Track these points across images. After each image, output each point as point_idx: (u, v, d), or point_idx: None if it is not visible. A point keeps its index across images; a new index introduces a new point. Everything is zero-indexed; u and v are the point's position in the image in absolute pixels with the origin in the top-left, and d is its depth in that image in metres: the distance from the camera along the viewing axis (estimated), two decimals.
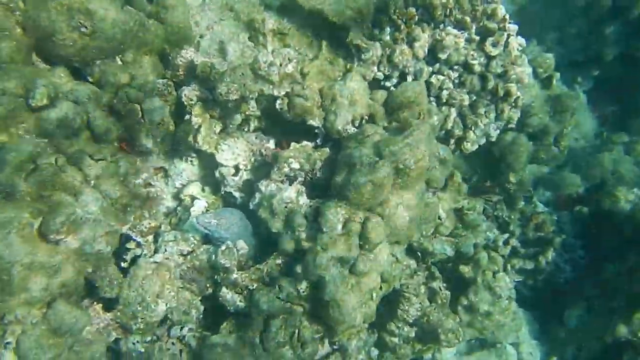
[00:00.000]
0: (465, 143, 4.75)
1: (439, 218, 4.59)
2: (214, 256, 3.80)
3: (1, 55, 3.22)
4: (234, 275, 3.75)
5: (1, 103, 2.97)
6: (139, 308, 3.39)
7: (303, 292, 3.63)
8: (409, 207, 3.81)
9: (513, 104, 4.73)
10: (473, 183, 5.59)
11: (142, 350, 3.57)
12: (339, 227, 3.60)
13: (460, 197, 4.84)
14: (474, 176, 5.62)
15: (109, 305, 3.43)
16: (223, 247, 3.78)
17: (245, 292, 3.82)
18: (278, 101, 4.02)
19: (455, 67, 4.61)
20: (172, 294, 3.53)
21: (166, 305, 3.51)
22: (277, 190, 3.87)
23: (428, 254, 4.79)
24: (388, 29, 4.60)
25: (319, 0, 4.43)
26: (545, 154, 5.50)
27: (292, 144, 4.00)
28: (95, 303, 3.39)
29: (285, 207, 3.75)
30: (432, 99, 4.67)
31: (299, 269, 3.59)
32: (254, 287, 3.78)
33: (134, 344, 3.55)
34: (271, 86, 3.94)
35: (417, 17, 4.55)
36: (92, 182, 3.32)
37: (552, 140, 5.46)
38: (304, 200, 3.84)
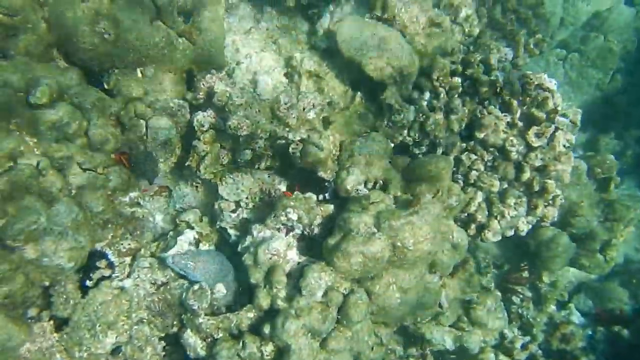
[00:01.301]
0: (486, 232, 4.47)
1: (440, 306, 4.28)
2: (184, 294, 3.65)
3: (17, 46, 3.26)
4: (200, 320, 3.59)
5: None
6: (87, 335, 3.27)
7: (267, 355, 3.42)
8: (403, 288, 3.58)
9: (550, 202, 4.44)
10: (502, 271, 5.26)
11: None
12: (319, 293, 3.41)
13: (470, 289, 4.52)
14: (505, 264, 5.31)
15: (60, 325, 3.30)
16: (195, 287, 3.65)
17: (208, 339, 3.63)
18: (292, 145, 3.91)
19: (491, 149, 4.38)
20: (125, 326, 3.38)
21: (115, 337, 3.35)
22: (268, 238, 3.70)
23: (425, 341, 4.47)
24: (427, 94, 4.46)
25: (360, 51, 4.34)
26: (588, 260, 5.14)
27: (296, 193, 3.85)
28: (47, 320, 3.27)
29: (270, 258, 3.59)
30: (459, 176, 4.44)
31: (266, 329, 3.40)
32: (219, 336, 3.59)
33: None
34: (287, 129, 3.84)
35: (460, 89, 4.39)
36: (73, 191, 3.27)
37: (598, 247, 5.08)
38: (292, 255, 3.68)
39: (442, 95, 4.36)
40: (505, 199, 4.44)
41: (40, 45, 3.37)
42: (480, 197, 4.43)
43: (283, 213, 3.76)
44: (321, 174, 3.96)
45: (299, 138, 3.90)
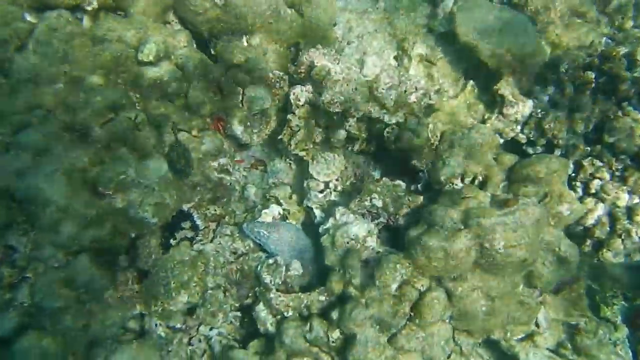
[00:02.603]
0: (605, 251, 4.03)
1: (537, 324, 3.95)
2: (259, 266, 3.76)
3: (136, 6, 3.55)
4: (272, 295, 3.67)
5: (110, 48, 3.28)
6: (162, 291, 3.49)
7: (333, 342, 3.41)
8: (491, 295, 3.37)
9: None
10: (633, 305, 4.74)
11: (163, 334, 3.65)
12: (394, 286, 3.32)
13: (577, 313, 4.12)
14: (637, 296, 4.76)
15: (141, 277, 3.58)
16: (270, 261, 3.73)
17: (278, 316, 3.71)
18: (387, 129, 3.84)
19: (622, 156, 3.94)
20: (197, 288, 3.56)
21: (187, 298, 3.54)
22: (349, 222, 3.68)
23: None
24: (551, 89, 4.12)
25: (479, 36, 4.13)
26: None
27: (384, 179, 3.78)
28: (132, 270, 3.56)
29: (347, 242, 3.56)
30: (577, 184, 4.06)
31: (334, 314, 3.39)
32: (288, 314, 3.65)
33: (156, 325, 3.64)
34: (383, 111, 3.77)
35: (593, 85, 4.00)
36: (166, 149, 3.50)
37: None
38: (372, 242, 3.62)
39: (568, 90, 4.00)
40: (634, 216, 3.96)
41: (157, 6, 3.66)
42: (601, 209, 4.00)
43: (368, 198, 3.72)
44: (415, 162, 3.84)
45: (394, 121, 3.81)
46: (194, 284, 3.57)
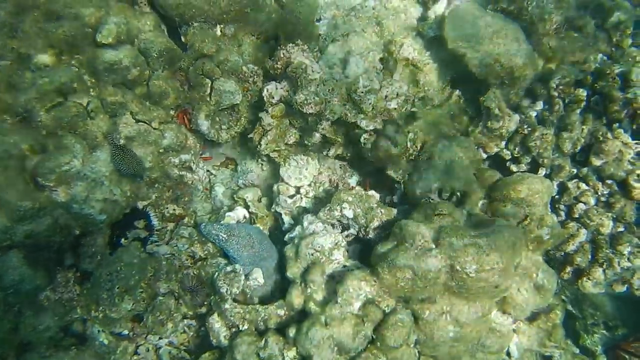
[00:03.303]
0: (584, 279, 3.89)
1: (508, 354, 3.80)
2: (216, 274, 3.56)
3: None
4: (227, 306, 3.48)
5: (64, 26, 3.05)
6: (104, 296, 3.27)
7: None
8: (459, 321, 3.20)
9: None
10: (615, 335, 4.62)
11: (105, 342, 3.43)
12: (356, 305, 3.15)
13: (551, 343, 3.97)
14: (619, 327, 4.64)
15: (84, 279, 3.35)
16: (228, 268, 3.54)
17: (232, 329, 3.52)
18: (364, 135, 3.67)
19: (609, 181, 3.80)
20: (143, 294, 3.34)
21: (131, 305, 3.32)
22: (316, 232, 3.50)
23: None
24: (540, 104, 3.97)
25: (467, 42, 3.97)
26: None
27: (356, 189, 3.61)
28: (73, 270, 3.33)
29: (312, 254, 3.38)
30: (561, 207, 3.92)
31: (291, 332, 3.21)
32: (243, 328, 3.46)
33: (98, 331, 3.43)
34: (361, 116, 3.60)
35: (583, 104, 3.85)
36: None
37: None
38: (338, 255, 3.44)
39: (557, 107, 3.86)
40: (617, 245, 3.83)
41: None
42: (583, 235, 3.86)
43: (338, 207, 3.54)
44: (390, 172, 3.68)
45: (372, 128, 3.64)
46: (140, 290, 3.35)
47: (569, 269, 3.97)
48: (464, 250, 2.92)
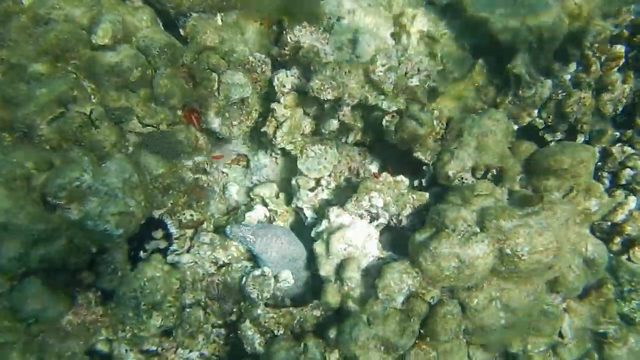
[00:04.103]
0: (637, 249, 3.70)
1: (561, 335, 3.63)
2: (244, 279, 3.40)
3: None
4: (259, 311, 3.32)
5: (55, 29, 2.87)
6: (130, 314, 3.11)
7: None
8: (510, 307, 3.04)
9: None
10: None
11: None
12: (400, 299, 2.98)
13: (605, 319, 3.79)
14: None
15: (106, 297, 3.19)
16: (257, 272, 3.38)
17: (268, 335, 3.36)
18: (386, 117, 3.48)
19: None
20: (172, 309, 3.18)
21: (161, 321, 3.16)
22: (345, 225, 3.33)
23: None
24: (573, 66, 3.75)
25: (488, 7, 3.76)
26: None
27: (384, 174, 3.42)
28: (93, 290, 3.17)
29: (345, 249, 3.21)
30: (605, 174, 3.72)
31: (332, 333, 3.05)
32: (278, 333, 3.30)
33: (125, 350, 3.28)
34: (382, 97, 3.40)
35: (622, 61, 3.63)
36: (130, 149, 3.12)
37: None
38: (372, 248, 3.27)
39: (594, 68, 3.64)
40: None
41: None
42: (633, 203, 3.66)
43: (366, 197, 3.36)
44: (418, 154, 3.50)
45: (394, 109, 3.44)
46: (168, 305, 3.19)
47: (618, 239, 3.78)
48: (514, 231, 2.75)
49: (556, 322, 3.48)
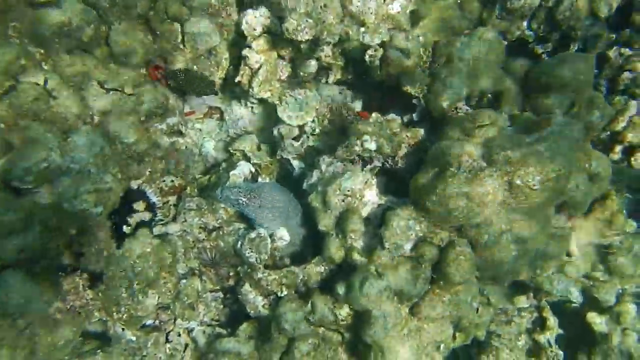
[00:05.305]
0: (638, 155, 3.61)
1: (568, 255, 3.59)
2: (239, 242, 3.24)
3: None
4: (259, 275, 3.18)
5: None
6: (124, 295, 2.94)
7: (342, 320, 2.99)
8: (521, 238, 2.93)
9: None
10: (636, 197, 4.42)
11: (133, 338, 3.15)
12: (408, 246, 2.87)
13: (612, 232, 3.76)
14: None
15: (95, 279, 3.00)
16: (252, 235, 3.22)
17: (271, 297, 3.25)
18: (369, 51, 3.24)
19: None
20: (169, 285, 3.02)
21: (158, 298, 3.01)
22: (340, 174, 3.15)
23: (543, 292, 3.86)
24: None
25: None
26: None
27: (374, 114, 3.22)
28: (79, 274, 2.97)
29: (343, 200, 3.05)
30: (602, 82, 3.57)
31: (340, 289, 2.93)
32: (283, 294, 3.19)
33: (122, 329, 3.14)
34: (362, 30, 3.14)
35: None
36: (96, 118, 2.84)
37: None
38: (371, 195, 3.11)
39: None
40: None
41: None
42: (634, 108, 3.54)
43: (358, 142, 3.17)
44: (407, 88, 3.27)
45: (377, 41, 3.19)
46: (163, 280, 3.03)
47: (618, 148, 3.68)
48: (524, 161, 2.59)
49: (564, 245, 3.43)
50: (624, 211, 3.71)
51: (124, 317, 2.99)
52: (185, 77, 3.34)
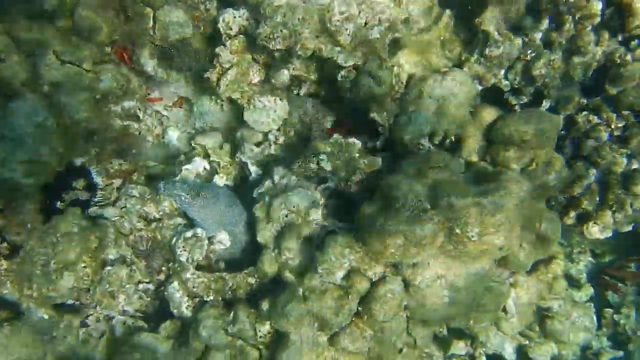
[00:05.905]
0: (591, 225, 3.61)
1: (504, 310, 3.57)
2: (174, 238, 3.17)
3: None
4: (188, 275, 3.12)
5: None
6: (37, 272, 2.85)
7: (261, 337, 2.94)
8: (454, 286, 2.92)
9: None
10: (601, 263, 4.51)
11: (45, 316, 3.05)
12: (339, 274, 2.82)
13: (551, 295, 3.76)
14: (607, 254, 4.50)
15: (15, 250, 2.91)
16: (188, 233, 3.16)
17: (197, 299, 3.19)
18: (342, 72, 3.20)
19: (625, 112, 3.44)
20: (87, 270, 2.94)
21: (73, 281, 2.92)
22: (291, 188, 3.11)
23: (479, 343, 3.85)
24: (546, 23, 3.50)
25: None
26: None
27: (335, 135, 3.18)
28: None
29: (287, 215, 3.01)
30: (566, 144, 3.57)
31: (265, 305, 2.88)
32: (208, 299, 3.13)
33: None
34: (337, 49, 3.11)
35: (598, 19, 3.39)
36: (45, 88, 2.76)
37: None
38: (316, 215, 3.08)
39: (567, 26, 3.39)
40: (631, 185, 3.50)
41: None
42: (593, 176, 3.54)
43: (315, 159, 3.12)
44: (374, 115, 3.25)
45: (351, 63, 3.16)
46: (83, 264, 2.94)
47: (573, 213, 3.68)
48: (466, 211, 2.57)
49: (502, 299, 3.40)
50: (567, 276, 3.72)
51: (34, 294, 2.89)
52: (181, 48, 3.27)
